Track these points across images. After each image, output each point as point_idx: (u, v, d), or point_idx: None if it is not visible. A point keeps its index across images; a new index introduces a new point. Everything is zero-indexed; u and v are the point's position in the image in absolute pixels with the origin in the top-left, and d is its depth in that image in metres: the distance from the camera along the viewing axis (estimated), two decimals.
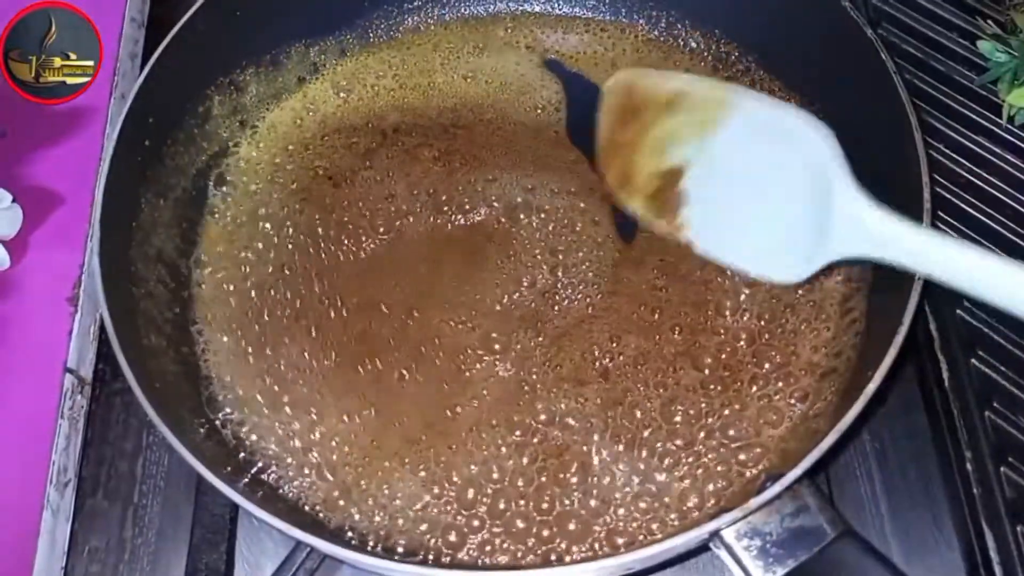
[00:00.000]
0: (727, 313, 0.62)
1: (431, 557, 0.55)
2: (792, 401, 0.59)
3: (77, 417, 0.65)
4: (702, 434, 0.58)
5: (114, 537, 0.62)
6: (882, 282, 0.59)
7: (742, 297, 0.62)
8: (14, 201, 0.68)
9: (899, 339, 0.50)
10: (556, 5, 0.78)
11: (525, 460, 0.58)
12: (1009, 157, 0.68)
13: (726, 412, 0.59)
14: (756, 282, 0.62)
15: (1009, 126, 0.68)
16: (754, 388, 0.59)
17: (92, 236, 0.58)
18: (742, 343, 0.61)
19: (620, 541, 0.55)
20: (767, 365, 0.60)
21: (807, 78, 0.68)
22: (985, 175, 0.67)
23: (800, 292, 0.62)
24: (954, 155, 0.68)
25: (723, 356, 0.61)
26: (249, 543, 0.62)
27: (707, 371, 0.60)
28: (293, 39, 0.74)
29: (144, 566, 0.61)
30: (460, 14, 0.78)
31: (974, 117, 0.69)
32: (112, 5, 0.80)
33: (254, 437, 0.60)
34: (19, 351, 0.65)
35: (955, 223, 0.65)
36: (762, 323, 0.62)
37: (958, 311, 0.62)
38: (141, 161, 0.64)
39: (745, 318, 0.62)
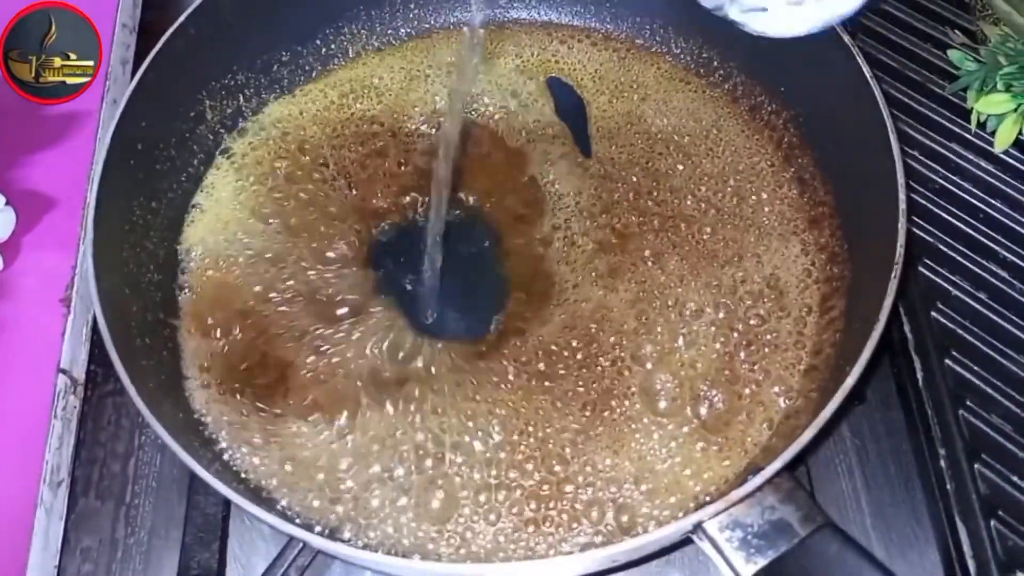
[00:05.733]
0: (709, 308, 0.64)
1: (419, 552, 0.56)
2: (774, 397, 0.60)
3: (70, 417, 0.65)
4: (685, 429, 0.60)
5: (107, 536, 0.62)
6: (860, 281, 0.61)
7: (732, 293, 0.64)
8: (8, 203, 0.68)
9: (876, 335, 0.52)
10: (541, 12, 0.79)
11: (510, 456, 0.59)
12: (980, 163, 0.69)
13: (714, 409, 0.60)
14: (744, 280, 0.64)
15: (979, 132, 0.70)
16: (737, 384, 0.61)
17: (85, 238, 0.59)
18: (733, 334, 0.63)
19: (603, 534, 0.56)
20: (750, 362, 0.62)
21: (787, 84, 0.70)
22: (958, 181, 0.69)
23: (785, 290, 0.64)
24: (928, 161, 0.70)
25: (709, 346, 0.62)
26: (241, 542, 0.62)
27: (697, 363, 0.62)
28: (284, 44, 0.75)
29: (136, 565, 0.62)
30: (447, 22, 0.79)
31: (947, 124, 0.71)
32: (112, 5, 0.80)
33: (243, 437, 0.60)
34: (12, 352, 0.66)
35: (930, 227, 0.67)
36: (749, 321, 0.63)
37: (932, 313, 0.64)
38: (134, 165, 0.64)
39: (732, 312, 0.63)
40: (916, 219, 0.67)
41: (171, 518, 0.63)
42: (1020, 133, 0.68)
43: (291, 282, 0.66)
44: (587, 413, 0.60)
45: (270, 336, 0.64)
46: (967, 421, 0.60)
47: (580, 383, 0.61)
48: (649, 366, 0.62)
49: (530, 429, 0.60)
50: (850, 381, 0.51)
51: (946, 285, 0.65)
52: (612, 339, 0.63)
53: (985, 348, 0.62)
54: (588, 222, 0.68)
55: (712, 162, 0.70)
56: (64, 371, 0.65)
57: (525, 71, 0.76)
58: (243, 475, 0.59)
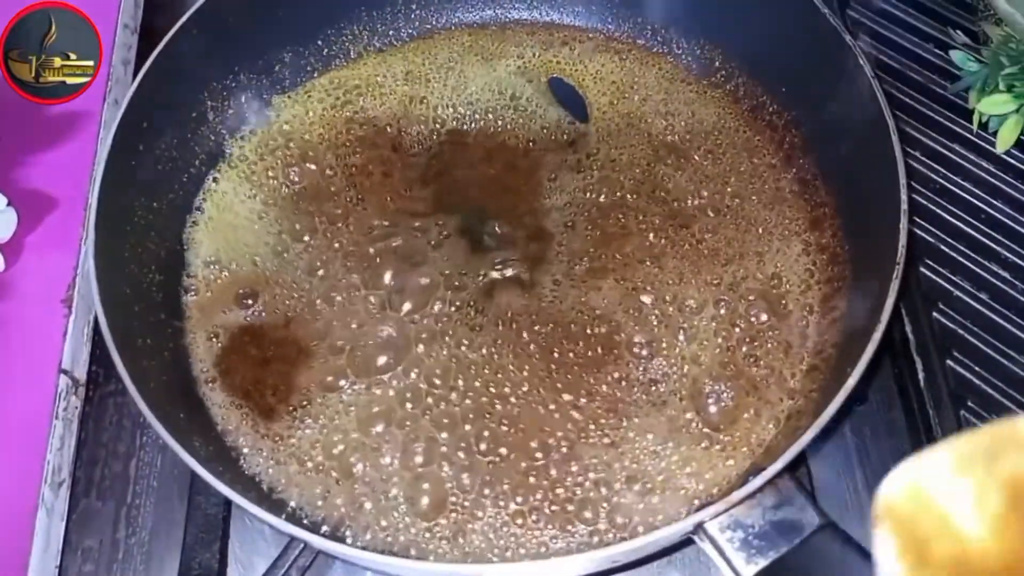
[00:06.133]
0: (710, 304, 0.64)
1: (420, 553, 0.56)
2: (778, 396, 0.60)
3: (71, 418, 0.65)
4: (688, 426, 0.59)
5: (108, 537, 0.63)
6: (862, 282, 0.61)
7: (733, 290, 0.64)
8: (9, 204, 0.68)
9: (877, 336, 0.52)
10: (543, 13, 0.80)
11: (513, 452, 0.59)
12: (982, 163, 0.69)
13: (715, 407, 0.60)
14: (745, 278, 0.65)
15: (981, 132, 0.70)
16: (742, 380, 0.61)
17: (87, 239, 0.59)
18: (735, 330, 0.63)
19: (604, 535, 0.56)
20: (754, 358, 0.62)
21: (789, 84, 0.70)
22: (960, 181, 0.69)
23: (787, 289, 0.64)
24: (930, 162, 0.70)
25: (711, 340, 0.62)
26: (242, 542, 0.62)
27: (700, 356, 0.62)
28: (285, 45, 0.75)
29: (137, 565, 0.62)
30: (448, 23, 0.79)
31: (948, 124, 0.71)
32: (112, 5, 0.80)
33: (245, 436, 0.60)
34: (14, 352, 0.66)
35: (931, 228, 0.67)
36: (751, 319, 0.63)
37: (933, 313, 0.64)
38: (135, 165, 0.64)
39: (734, 309, 0.63)
40: (917, 220, 0.67)
41: (172, 518, 0.63)
42: (1022, 134, 0.68)
43: (294, 282, 0.66)
44: (587, 404, 0.60)
45: (274, 336, 0.64)
46: (968, 422, 0.60)
47: (579, 376, 0.61)
48: (649, 359, 0.62)
49: (527, 423, 0.60)
50: (851, 381, 0.51)
51: (947, 286, 0.65)
52: (612, 331, 0.63)
53: (986, 349, 0.62)
54: (588, 222, 0.68)
55: (713, 163, 0.70)
56: (65, 371, 0.66)
57: (527, 72, 0.76)
58: (246, 474, 0.59)
